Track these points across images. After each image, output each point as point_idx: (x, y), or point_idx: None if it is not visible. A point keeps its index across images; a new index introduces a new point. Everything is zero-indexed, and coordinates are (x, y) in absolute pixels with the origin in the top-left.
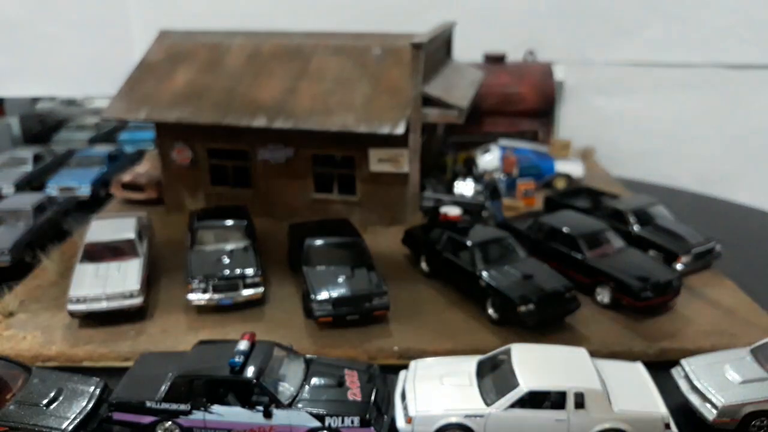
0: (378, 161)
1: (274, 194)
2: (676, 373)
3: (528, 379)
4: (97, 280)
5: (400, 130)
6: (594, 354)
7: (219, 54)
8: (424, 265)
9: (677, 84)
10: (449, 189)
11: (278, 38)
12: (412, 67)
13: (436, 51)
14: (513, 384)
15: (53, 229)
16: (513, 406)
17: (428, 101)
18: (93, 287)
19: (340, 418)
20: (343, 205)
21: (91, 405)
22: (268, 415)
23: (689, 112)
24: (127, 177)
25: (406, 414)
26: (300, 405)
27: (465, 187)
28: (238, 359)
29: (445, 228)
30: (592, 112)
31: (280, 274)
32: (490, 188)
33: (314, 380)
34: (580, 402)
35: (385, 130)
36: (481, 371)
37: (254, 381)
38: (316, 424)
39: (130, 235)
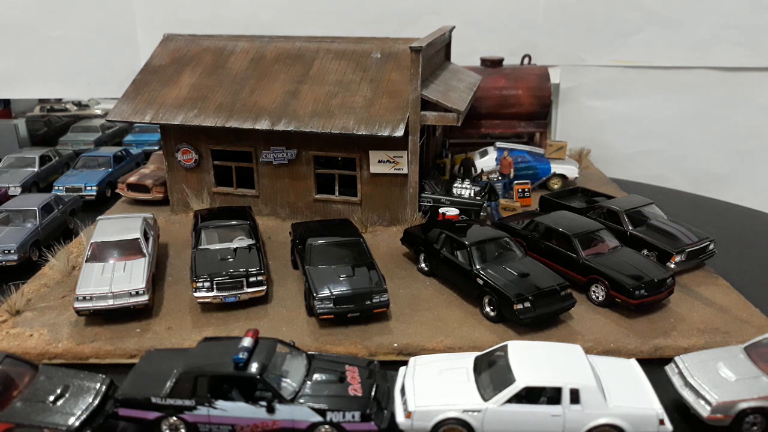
0: (378, 163)
1: (277, 195)
2: (669, 370)
3: (524, 375)
4: (104, 278)
5: (399, 132)
6: (589, 351)
7: (223, 58)
8: (423, 264)
9: (670, 86)
10: (448, 190)
11: (281, 43)
12: (411, 70)
13: (434, 55)
14: (510, 380)
15: (60, 229)
16: (509, 401)
17: (427, 104)
18: (99, 285)
19: (341, 413)
20: (344, 206)
21: (97, 401)
22: (270, 410)
23: (682, 114)
24: (132, 178)
25: (405, 409)
26: (302, 400)
27: (463, 188)
28: (242, 356)
29: (443, 228)
30: (587, 115)
31: (283, 272)
32: (487, 189)
33: (316, 376)
34: (575, 398)
35: (385, 132)
36: (479, 367)
37: (257, 377)
38: (318, 418)
39: (136, 234)
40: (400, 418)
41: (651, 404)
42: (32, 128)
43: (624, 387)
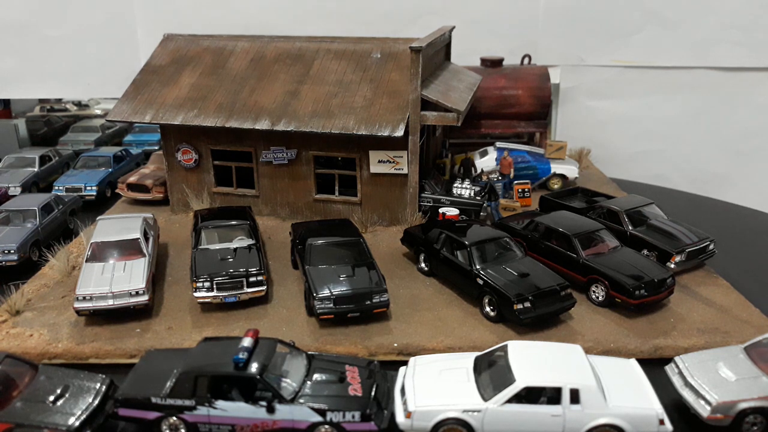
0: (378, 163)
1: (277, 195)
2: (669, 370)
3: (524, 375)
4: (104, 278)
5: (399, 132)
6: (589, 351)
7: (223, 57)
8: (423, 264)
9: (670, 86)
10: (448, 190)
11: (281, 42)
12: (411, 70)
13: (434, 55)
14: (510, 380)
15: (60, 229)
16: (509, 401)
17: (427, 104)
18: (99, 285)
19: (341, 413)
20: (344, 206)
21: (97, 401)
22: (270, 410)
23: (682, 114)
24: (133, 178)
25: (405, 409)
26: (302, 400)
27: (463, 188)
28: (242, 356)
29: (443, 228)
30: (587, 115)
31: (283, 272)
32: (487, 189)
33: (316, 376)
34: (575, 398)
35: (385, 132)
36: (479, 367)
37: (257, 377)
38: (318, 418)
39: (136, 234)
40: (400, 418)
41: (651, 404)
42: (32, 128)
43: (624, 387)
